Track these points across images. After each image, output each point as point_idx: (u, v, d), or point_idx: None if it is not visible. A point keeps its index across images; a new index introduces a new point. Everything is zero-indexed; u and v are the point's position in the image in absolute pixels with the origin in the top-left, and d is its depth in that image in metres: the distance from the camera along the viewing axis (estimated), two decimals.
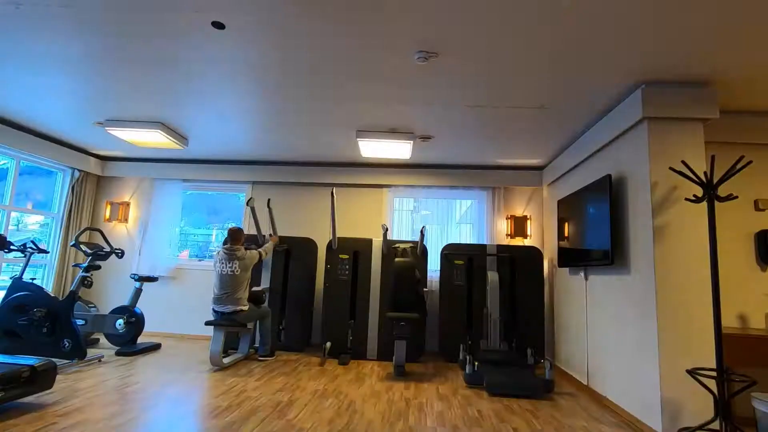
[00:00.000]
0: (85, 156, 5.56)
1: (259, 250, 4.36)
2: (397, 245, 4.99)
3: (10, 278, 4.09)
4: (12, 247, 3.99)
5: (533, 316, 4.77)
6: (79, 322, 4.57)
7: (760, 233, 3.28)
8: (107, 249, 4.42)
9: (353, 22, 2.42)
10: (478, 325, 4.79)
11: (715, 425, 2.65)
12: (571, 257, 4.09)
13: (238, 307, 4.06)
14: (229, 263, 4.06)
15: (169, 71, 3.15)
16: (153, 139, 4.56)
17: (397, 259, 4.37)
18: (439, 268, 5.26)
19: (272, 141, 4.75)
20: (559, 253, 4.45)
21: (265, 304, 5.00)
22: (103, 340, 5.11)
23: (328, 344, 4.70)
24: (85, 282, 4.10)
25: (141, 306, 5.71)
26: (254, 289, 4.83)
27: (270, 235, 4.90)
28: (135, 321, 4.57)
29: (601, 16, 2.27)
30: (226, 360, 4.12)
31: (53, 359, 3.59)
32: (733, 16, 2.22)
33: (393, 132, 4.24)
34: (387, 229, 4.68)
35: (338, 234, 5.60)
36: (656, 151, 2.97)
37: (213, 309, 4.07)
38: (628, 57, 2.67)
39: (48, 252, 4.48)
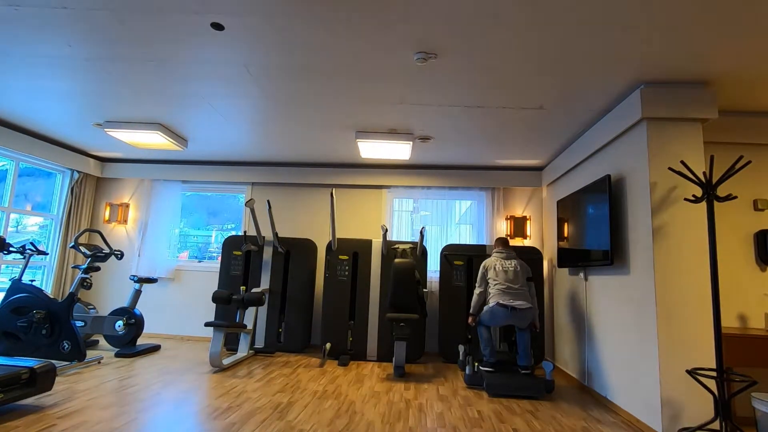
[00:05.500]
0: (85, 157, 5.56)
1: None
2: (396, 246, 4.99)
3: (10, 280, 4.08)
4: (11, 248, 3.99)
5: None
6: (79, 323, 4.56)
7: (760, 233, 3.29)
8: (106, 250, 4.42)
9: (352, 23, 2.42)
10: (476, 332, 4.78)
11: (715, 425, 2.65)
12: (571, 258, 4.09)
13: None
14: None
15: (169, 72, 3.16)
16: (152, 141, 4.56)
17: (396, 260, 4.37)
18: (438, 269, 5.26)
19: (271, 142, 4.75)
20: (559, 254, 4.45)
21: (265, 305, 5.00)
22: (102, 341, 5.10)
23: (328, 345, 4.70)
24: (85, 283, 4.10)
25: (140, 307, 5.71)
26: (254, 290, 4.83)
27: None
28: (134, 322, 4.57)
29: (601, 16, 2.27)
30: (225, 361, 4.11)
31: (52, 361, 3.59)
32: (732, 17, 2.23)
33: (392, 133, 4.24)
34: (386, 230, 4.67)
35: (338, 235, 5.60)
36: (655, 152, 2.97)
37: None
38: (627, 57, 2.68)
39: (47, 254, 4.47)
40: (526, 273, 3.92)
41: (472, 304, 3.97)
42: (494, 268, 3.90)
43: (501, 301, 3.69)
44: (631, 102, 3.11)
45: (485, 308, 3.84)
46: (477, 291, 3.96)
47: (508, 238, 4.29)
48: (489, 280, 3.89)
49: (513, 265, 3.89)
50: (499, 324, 3.77)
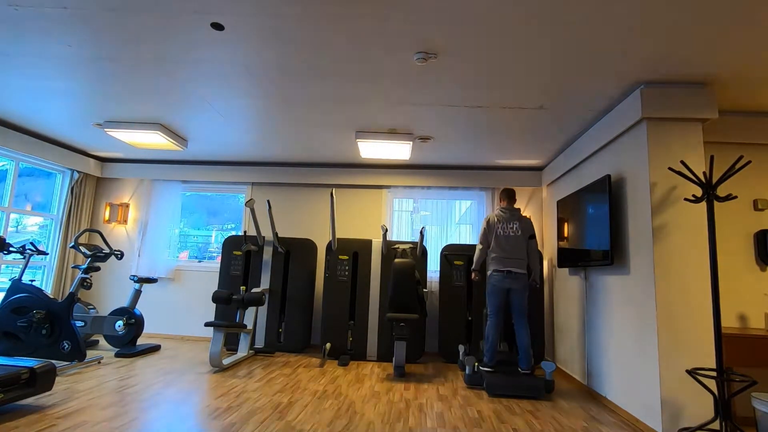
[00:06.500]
0: (85, 157, 5.56)
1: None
2: (396, 246, 4.99)
3: (10, 280, 4.08)
4: (11, 248, 3.99)
5: (533, 316, 4.76)
6: (79, 323, 4.56)
7: (759, 233, 3.29)
8: (106, 250, 4.42)
9: (352, 23, 2.42)
10: (478, 325, 4.79)
11: (715, 425, 2.65)
12: (571, 257, 4.09)
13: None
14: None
15: (169, 72, 3.15)
16: (152, 141, 4.55)
17: (396, 260, 4.37)
18: (438, 269, 5.26)
19: (271, 142, 4.75)
20: (559, 254, 4.45)
21: (265, 305, 5.00)
22: (102, 341, 5.10)
23: (328, 345, 4.70)
24: (85, 283, 4.10)
25: (140, 307, 5.70)
26: (254, 290, 4.83)
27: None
28: (134, 322, 4.57)
29: (601, 16, 2.27)
30: (225, 361, 4.11)
31: (52, 361, 3.59)
32: (732, 17, 2.23)
33: (392, 133, 4.24)
34: (386, 230, 4.67)
35: (338, 235, 5.60)
36: (655, 152, 2.97)
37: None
38: (628, 57, 2.68)
39: (47, 254, 4.47)
40: (528, 232, 3.95)
41: (474, 259, 4.08)
42: (495, 233, 3.94)
43: (497, 267, 3.86)
44: (631, 102, 3.11)
45: (488, 284, 3.93)
46: (479, 247, 4.04)
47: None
48: (491, 242, 3.97)
49: (514, 228, 3.92)
50: (500, 288, 3.83)
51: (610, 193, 3.38)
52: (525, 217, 4.02)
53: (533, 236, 3.96)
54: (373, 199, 5.66)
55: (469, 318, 4.84)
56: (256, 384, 3.61)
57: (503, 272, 3.83)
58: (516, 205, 5.47)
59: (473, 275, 4.11)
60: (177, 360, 4.33)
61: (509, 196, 4.08)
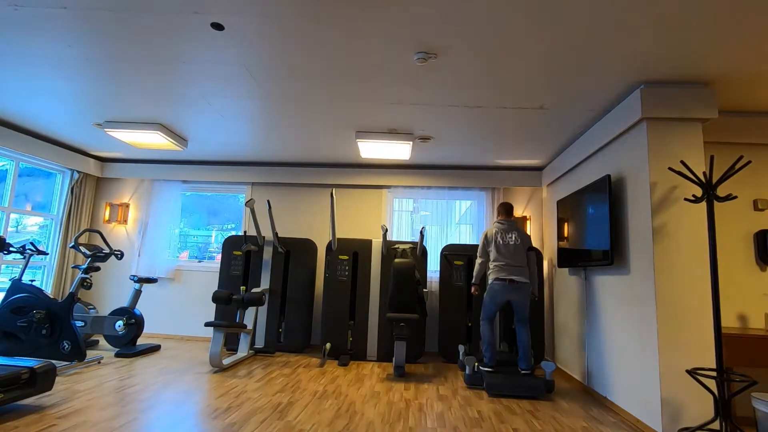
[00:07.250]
0: (85, 157, 5.56)
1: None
2: (396, 246, 4.99)
3: (10, 280, 4.08)
4: (11, 248, 3.99)
5: (533, 316, 4.77)
6: (79, 323, 4.56)
7: (759, 233, 3.29)
8: (106, 250, 4.42)
9: (352, 23, 2.42)
10: (478, 326, 4.79)
11: (715, 425, 2.65)
12: (571, 257, 4.09)
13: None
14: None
15: (169, 72, 3.15)
16: (152, 141, 4.55)
17: (396, 260, 4.37)
18: (438, 269, 5.26)
19: (271, 142, 4.75)
20: (559, 254, 4.45)
21: (265, 305, 5.00)
22: (102, 341, 5.10)
23: (328, 345, 4.70)
24: (85, 283, 4.10)
25: (140, 307, 5.71)
26: (254, 290, 4.83)
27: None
28: (134, 322, 4.57)
29: (601, 16, 2.27)
30: (225, 361, 4.11)
31: (52, 361, 3.60)
32: (732, 17, 2.23)
33: (392, 133, 4.24)
34: (386, 230, 4.67)
35: (338, 235, 5.60)
36: (655, 152, 2.97)
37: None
38: (628, 57, 2.68)
39: (47, 254, 4.47)
40: (527, 244, 3.96)
41: (474, 273, 4.07)
42: (495, 243, 3.94)
43: (499, 276, 3.83)
44: (631, 102, 3.11)
45: (486, 290, 3.91)
46: (478, 261, 4.04)
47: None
48: (490, 253, 3.96)
49: (513, 238, 3.93)
50: (499, 300, 3.82)
51: (610, 193, 3.38)
52: (522, 230, 4.05)
53: (531, 249, 3.97)
54: (373, 199, 5.66)
55: (469, 324, 4.84)
56: (256, 384, 3.61)
57: (505, 281, 3.80)
58: (515, 205, 5.49)
59: (473, 289, 4.09)
60: (177, 360, 4.33)
61: (507, 210, 4.12)
